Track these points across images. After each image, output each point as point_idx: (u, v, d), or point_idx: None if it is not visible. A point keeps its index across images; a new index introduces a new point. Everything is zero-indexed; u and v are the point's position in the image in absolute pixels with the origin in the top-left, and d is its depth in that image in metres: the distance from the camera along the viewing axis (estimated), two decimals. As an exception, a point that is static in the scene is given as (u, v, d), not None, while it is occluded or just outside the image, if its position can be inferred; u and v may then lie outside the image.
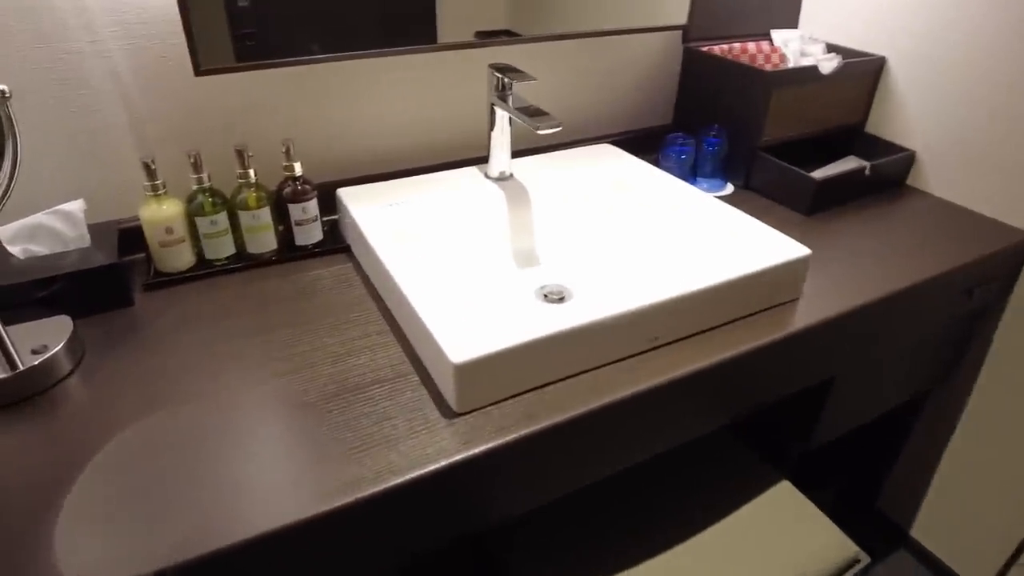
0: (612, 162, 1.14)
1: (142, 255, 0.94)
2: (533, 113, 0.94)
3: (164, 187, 0.89)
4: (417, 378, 0.75)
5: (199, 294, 0.91)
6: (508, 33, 1.13)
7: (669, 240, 1.04)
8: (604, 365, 0.77)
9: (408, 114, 1.10)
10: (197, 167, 0.90)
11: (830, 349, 0.94)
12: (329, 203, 1.02)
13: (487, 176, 1.07)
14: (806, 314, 0.88)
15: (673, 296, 0.78)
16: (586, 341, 0.74)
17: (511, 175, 1.07)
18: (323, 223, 1.01)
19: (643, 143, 1.28)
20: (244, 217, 0.94)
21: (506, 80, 0.98)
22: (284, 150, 0.93)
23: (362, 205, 0.97)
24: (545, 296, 0.98)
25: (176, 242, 0.92)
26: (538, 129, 0.89)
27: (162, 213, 0.90)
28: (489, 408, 0.70)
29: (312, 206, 0.97)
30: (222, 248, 0.95)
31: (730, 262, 0.91)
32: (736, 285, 0.82)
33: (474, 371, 0.67)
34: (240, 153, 0.91)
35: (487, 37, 1.10)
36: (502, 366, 0.69)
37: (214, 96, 0.96)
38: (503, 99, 0.99)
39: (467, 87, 1.13)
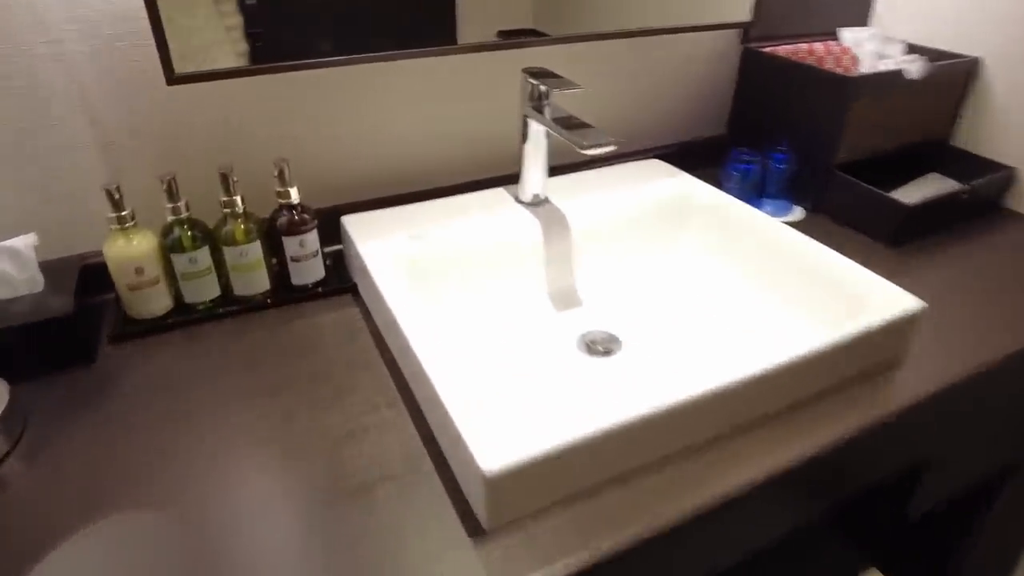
0: (665, 182, 0.98)
1: (112, 294, 0.78)
2: (576, 127, 0.78)
3: (133, 219, 0.74)
4: (434, 470, 0.59)
5: (176, 347, 0.76)
6: (534, 33, 0.96)
7: (739, 282, 0.87)
8: (665, 458, 0.61)
9: (425, 127, 0.94)
10: (173, 194, 0.75)
11: (937, 423, 0.77)
12: (332, 230, 0.87)
13: (518, 200, 0.91)
14: (913, 382, 0.71)
15: (758, 372, 0.62)
16: (645, 433, 0.58)
17: (546, 199, 0.91)
18: (325, 255, 0.85)
19: (693, 157, 1.11)
20: (230, 253, 0.78)
21: (543, 88, 0.82)
22: (277, 172, 0.78)
23: (371, 239, 0.82)
24: (588, 346, 0.82)
25: (149, 284, 0.76)
26: (584, 149, 0.73)
27: (131, 250, 0.74)
28: (527, 521, 0.55)
29: (312, 239, 0.81)
30: (204, 290, 0.80)
31: (823, 318, 0.75)
32: (834, 351, 0.65)
33: (511, 481, 0.51)
34: (225, 177, 0.75)
35: (510, 37, 0.93)
36: (546, 470, 0.53)
37: (193, 108, 0.81)
38: (539, 110, 0.83)
39: (494, 95, 0.96)
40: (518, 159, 0.89)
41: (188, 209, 0.76)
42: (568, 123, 0.79)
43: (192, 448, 0.62)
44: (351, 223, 0.86)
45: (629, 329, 0.84)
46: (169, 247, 0.76)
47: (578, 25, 0.97)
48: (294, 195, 0.79)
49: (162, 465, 0.61)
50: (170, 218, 0.75)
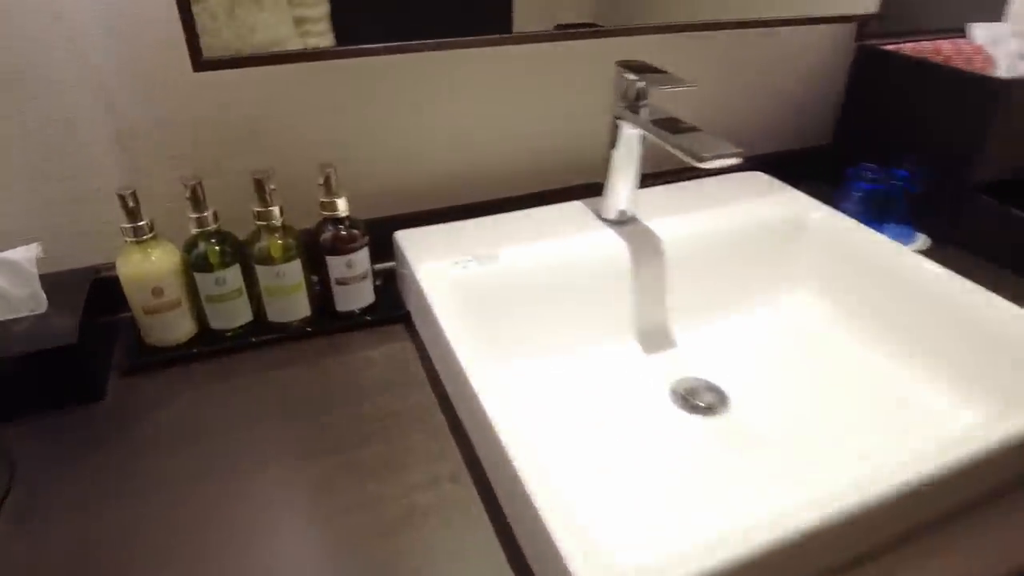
0: (772, 199, 0.83)
1: (127, 313, 0.66)
2: (684, 131, 0.63)
3: (151, 230, 0.62)
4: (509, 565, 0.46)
5: (199, 384, 0.64)
6: (591, 27, 0.82)
7: (872, 330, 0.72)
8: None
9: (491, 128, 0.81)
10: (199, 202, 0.62)
11: None
12: (382, 246, 0.74)
13: (601, 217, 0.77)
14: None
15: (931, 470, 0.47)
16: (802, 550, 0.43)
17: (633, 216, 0.77)
18: (375, 274, 0.72)
19: (792, 169, 0.95)
20: (265, 274, 0.66)
21: (640, 85, 0.68)
22: (323, 180, 0.65)
23: (429, 260, 0.69)
24: (685, 398, 0.68)
25: (168, 307, 0.64)
26: (703, 161, 0.59)
27: (148, 267, 0.62)
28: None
29: (361, 259, 0.68)
30: (233, 315, 0.67)
31: (992, 388, 0.59)
32: (1009, 446, 0.50)
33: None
34: (260, 184, 0.63)
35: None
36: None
37: (224, 102, 0.68)
38: (634, 110, 0.69)
39: (572, 93, 0.83)
40: (600, 168, 0.75)
41: (216, 220, 0.64)
42: (674, 127, 0.64)
43: (210, 521, 0.50)
44: (406, 240, 0.73)
45: (734, 381, 0.69)
46: (193, 264, 0.64)
47: (651, 16, 0.83)
48: (342, 207, 0.66)
49: (172, 542, 0.48)
50: (195, 230, 0.63)
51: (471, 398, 0.54)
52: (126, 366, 0.65)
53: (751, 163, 0.92)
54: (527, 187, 0.85)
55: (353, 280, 0.69)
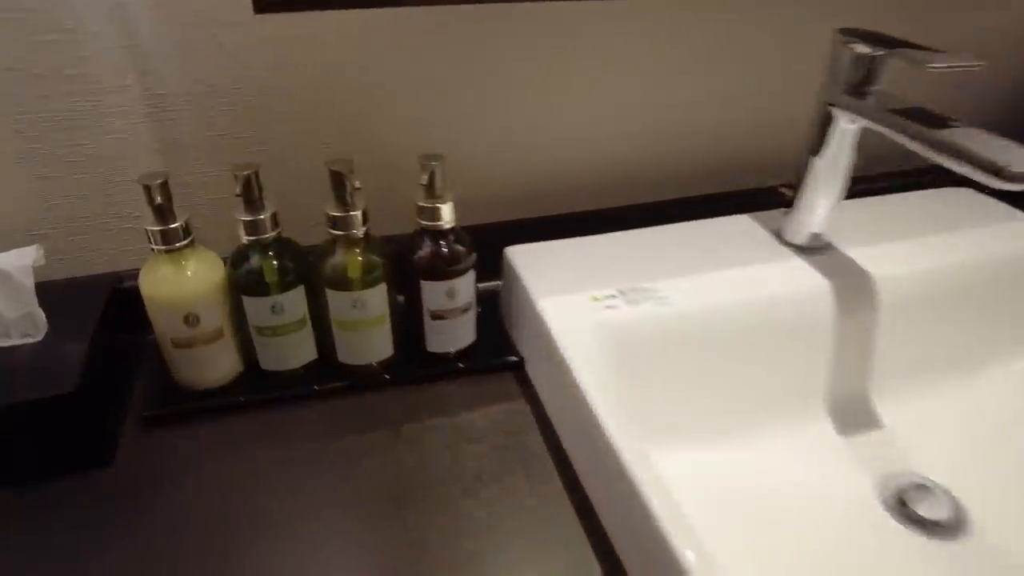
0: (1006, 227, 0.61)
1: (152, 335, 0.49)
2: (945, 126, 0.43)
3: (186, 235, 0.45)
4: None
5: (239, 448, 0.47)
6: None
7: None
8: None
9: (630, 112, 0.61)
10: (253, 200, 0.45)
11: None
12: (485, 263, 0.55)
13: (785, 241, 0.57)
14: None
15: None
16: None
17: (829, 243, 0.56)
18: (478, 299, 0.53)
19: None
20: (339, 301, 0.48)
21: (876, 56, 0.48)
22: (426, 179, 0.46)
23: (559, 292, 0.50)
24: (901, 505, 0.48)
25: (206, 339, 0.47)
26: (1009, 178, 0.38)
27: (180, 285, 0.45)
28: None
29: (466, 286, 0.50)
30: (292, 353, 0.50)
31: None
32: None
33: None
34: (340, 179, 0.45)
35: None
36: None
37: (290, 62, 0.51)
38: (859, 94, 0.49)
39: (750, 67, 0.62)
40: (776, 169, 0.55)
41: (276, 226, 0.46)
42: (929, 119, 0.44)
43: None
44: (521, 261, 0.54)
45: (969, 482, 0.49)
46: (242, 284, 0.47)
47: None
48: (447, 215, 0.47)
49: None
50: (246, 238, 0.46)
51: (628, 495, 0.35)
52: (146, 415, 0.48)
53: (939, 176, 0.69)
54: (675, 190, 0.65)
55: (453, 313, 0.51)
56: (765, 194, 0.63)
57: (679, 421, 0.48)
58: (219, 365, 0.49)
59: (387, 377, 0.52)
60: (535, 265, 0.53)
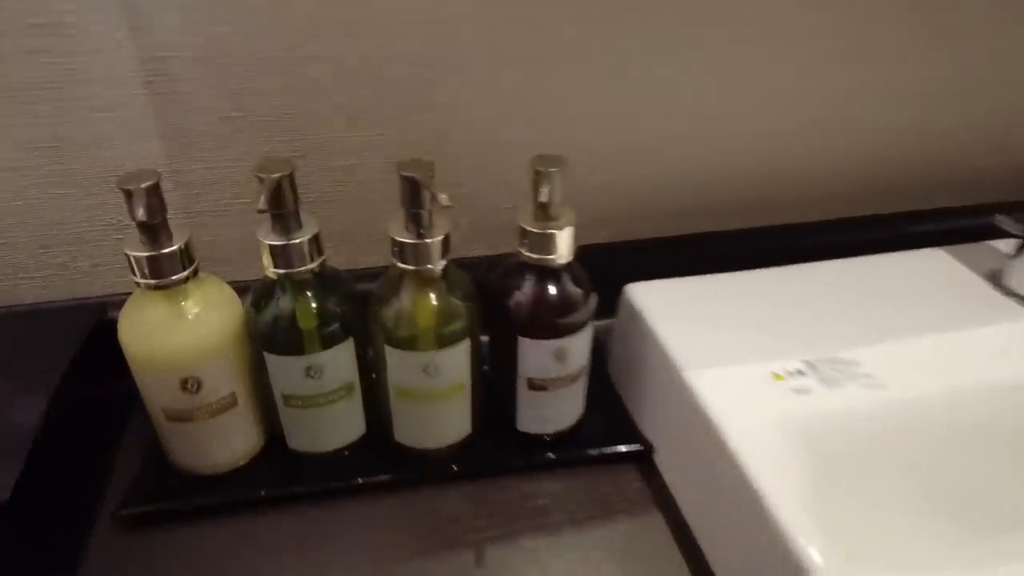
0: None
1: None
2: None
3: (187, 261, 0.30)
4: None
5: (250, 562, 0.32)
6: None
7: None
8: None
9: (783, 106, 0.45)
10: (284, 216, 0.30)
11: None
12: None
13: (1009, 291, 0.41)
14: None
15: None
16: None
17: (1075, 296, 0.40)
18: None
19: None
20: (402, 363, 0.33)
21: None
22: (545, 193, 0.31)
23: (717, 360, 0.35)
24: None
25: (213, 410, 0.33)
26: None
27: (173, 338, 0.31)
28: None
29: (580, 346, 0.35)
30: (333, 429, 0.36)
31: None
32: None
33: None
34: (414, 187, 0.30)
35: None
36: None
37: (352, 15, 0.36)
38: None
39: (944, 45, 0.46)
40: (998, 189, 0.39)
41: (319, 253, 0.32)
42: None
43: None
44: (649, 304, 0.39)
45: None
46: (266, 335, 0.32)
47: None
48: (564, 246, 0.32)
49: None
50: (273, 270, 0.31)
51: None
52: (122, 514, 0.34)
53: None
54: (836, 208, 0.49)
55: (559, 383, 0.35)
56: (965, 216, 0.47)
57: (901, 554, 0.33)
58: (229, 443, 0.35)
59: (460, 468, 0.37)
60: (671, 312, 0.38)
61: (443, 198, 0.28)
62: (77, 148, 0.36)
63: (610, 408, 0.40)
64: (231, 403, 0.34)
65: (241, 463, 0.36)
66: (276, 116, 0.37)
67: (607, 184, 0.44)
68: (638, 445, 0.38)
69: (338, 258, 0.35)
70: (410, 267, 0.31)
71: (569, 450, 0.38)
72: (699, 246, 0.46)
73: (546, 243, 0.32)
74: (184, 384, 0.32)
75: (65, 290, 0.40)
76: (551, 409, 0.36)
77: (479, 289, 0.34)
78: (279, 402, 0.34)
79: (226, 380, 0.33)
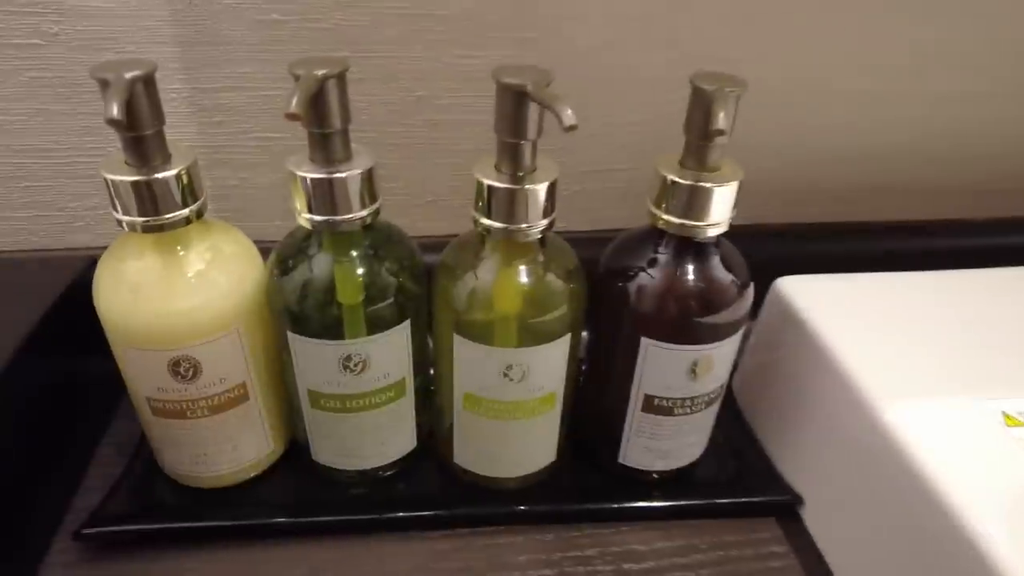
0: None
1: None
2: None
3: (189, 198, 0.21)
4: None
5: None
6: None
7: None
8: None
9: (994, 55, 0.34)
10: (328, 138, 0.21)
11: None
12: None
13: None
14: None
15: None
16: None
17: None
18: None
19: None
20: (475, 360, 0.24)
21: None
22: (720, 121, 0.21)
23: (923, 394, 0.24)
24: None
25: (218, 404, 0.24)
26: None
27: (163, 303, 0.22)
28: None
29: (725, 357, 0.25)
30: (374, 443, 0.26)
31: None
32: None
33: None
34: (518, 100, 0.20)
35: None
36: None
37: None
38: None
39: None
40: None
41: (373, 199, 0.22)
42: None
43: None
44: (816, 308, 0.28)
45: None
46: (292, 308, 0.23)
47: None
48: (722, 210, 0.22)
49: None
50: (305, 217, 0.22)
51: None
52: (85, 532, 0.25)
53: None
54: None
55: (689, 407, 0.25)
56: None
57: None
58: (235, 450, 0.26)
59: (538, 507, 0.27)
60: (846, 320, 0.27)
61: (568, 115, 0.18)
62: (69, 49, 0.28)
63: (737, 441, 0.30)
64: (239, 397, 0.25)
65: (250, 476, 0.27)
66: (332, 23, 0.28)
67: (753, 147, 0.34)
68: (783, 496, 0.28)
69: (393, 211, 0.26)
70: (498, 224, 0.22)
71: (685, 495, 0.28)
72: (860, 237, 0.35)
73: (698, 202, 0.22)
74: (175, 367, 0.23)
75: (48, 236, 0.32)
76: (670, 440, 0.27)
77: (580, 270, 0.24)
78: (304, 401, 0.25)
79: (233, 366, 0.24)
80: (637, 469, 0.28)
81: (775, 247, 0.35)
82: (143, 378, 0.24)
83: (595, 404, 0.27)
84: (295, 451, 0.28)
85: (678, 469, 0.28)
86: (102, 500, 0.26)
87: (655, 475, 0.28)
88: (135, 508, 0.26)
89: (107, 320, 0.23)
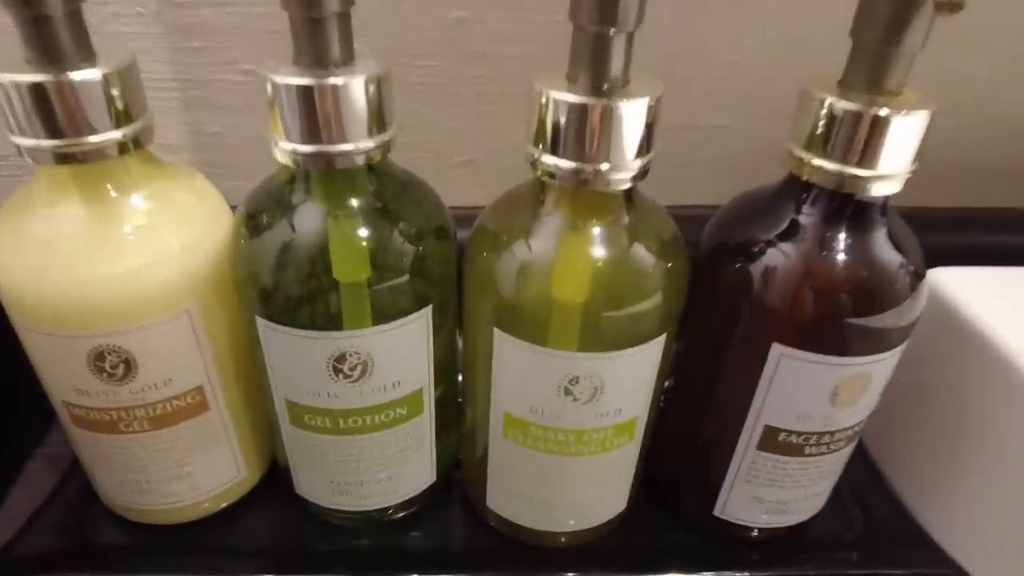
0: None
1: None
2: None
3: (126, 119, 0.15)
4: None
5: None
6: None
7: None
8: None
9: None
10: (323, 22, 0.14)
11: None
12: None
13: None
14: None
15: None
16: None
17: None
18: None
19: None
20: (519, 365, 0.16)
21: None
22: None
23: None
24: None
25: (166, 414, 0.17)
26: None
27: (84, 262, 0.15)
28: None
29: (884, 374, 0.17)
30: (377, 474, 0.19)
31: None
32: None
33: None
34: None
35: None
36: None
37: None
38: None
39: None
40: None
41: (382, 127, 0.15)
42: None
43: None
44: (987, 310, 0.20)
45: None
46: (263, 285, 0.16)
47: None
48: (903, 157, 0.15)
49: None
50: (285, 147, 0.15)
51: None
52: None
53: None
54: None
55: (827, 443, 0.18)
56: None
57: None
58: (190, 476, 0.19)
59: (599, 571, 0.20)
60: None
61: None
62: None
63: (863, 488, 0.23)
64: (194, 406, 0.18)
65: (212, 512, 0.20)
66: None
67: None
68: (941, 569, 0.20)
69: (410, 159, 0.19)
70: (567, 164, 0.14)
71: (802, 563, 0.20)
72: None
73: (870, 139, 0.14)
74: (97, 361, 0.16)
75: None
76: (791, 488, 0.19)
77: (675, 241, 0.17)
78: (281, 415, 0.18)
79: (183, 362, 0.17)
80: (738, 524, 0.20)
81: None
82: (57, 375, 0.17)
83: (684, 436, 0.20)
84: (276, 477, 0.21)
85: (789, 527, 0.20)
86: (14, 535, 0.20)
87: (756, 533, 0.20)
88: (56, 549, 0.19)
89: (5, 292, 0.16)
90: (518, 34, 0.24)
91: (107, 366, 0.16)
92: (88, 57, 0.15)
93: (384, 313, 0.16)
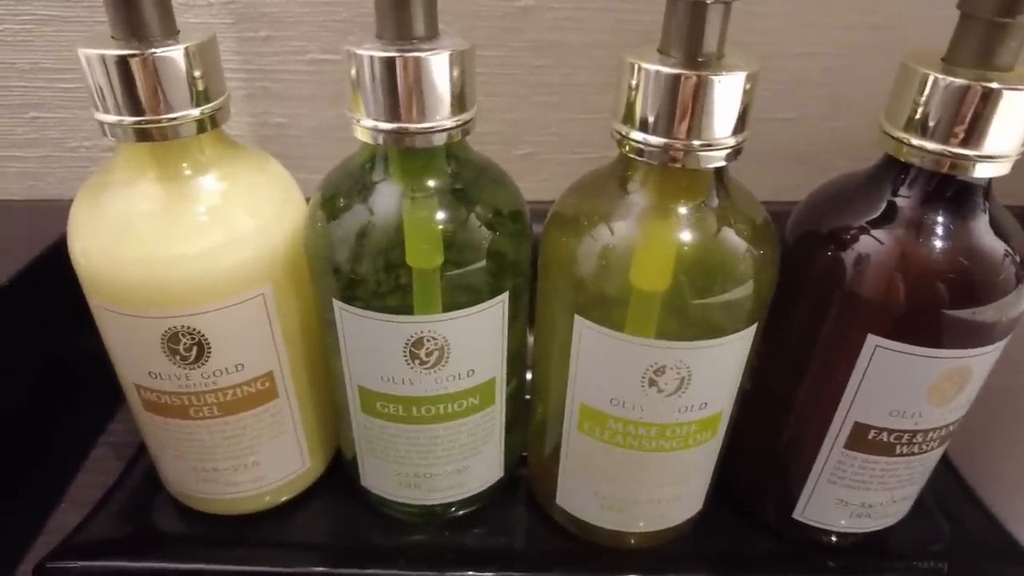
0: None
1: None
2: None
3: (205, 98, 0.14)
4: None
5: None
6: None
7: None
8: None
9: None
10: (405, 3, 0.13)
11: None
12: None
13: None
14: None
15: None
16: None
17: None
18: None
19: None
20: (600, 355, 0.16)
21: None
22: None
23: None
24: None
25: (236, 400, 0.17)
26: None
27: (160, 242, 0.15)
28: None
29: (984, 369, 0.16)
30: (445, 466, 0.18)
31: None
32: None
33: None
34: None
35: None
36: None
37: None
38: None
39: None
40: None
41: (463, 107, 0.15)
42: None
43: None
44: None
45: None
46: (339, 269, 0.16)
47: None
48: (1013, 136, 0.14)
49: None
50: (366, 125, 0.14)
51: None
52: (54, 564, 0.18)
53: None
54: None
55: (922, 443, 0.17)
56: None
57: None
58: (259, 465, 0.19)
59: None
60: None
61: None
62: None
63: (945, 496, 0.21)
64: (263, 392, 0.18)
65: (275, 504, 0.20)
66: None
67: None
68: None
69: (482, 139, 0.18)
70: (656, 140, 0.14)
71: (887, 570, 0.19)
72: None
73: (978, 117, 0.14)
74: (172, 343, 0.16)
75: (59, 183, 0.26)
76: (879, 491, 0.18)
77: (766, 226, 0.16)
78: (354, 403, 0.18)
79: (256, 346, 0.17)
80: (817, 528, 0.19)
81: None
82: (130, 357, 0.17)
83: (764, 433, 0.19)
84: (340, 471, 0.21)
85: (868, 533, 0.19)
86: (78, 524, 0.19)
87: (834, 538, 0.19)
88: (120, 536, 0.19)
89: (83, 271, 0.16)
90: (582, 23, 0.23)
91: (181, 348, 0.16)
92: (172, 34, 0.15)
93: (460, 300, 0.16)
